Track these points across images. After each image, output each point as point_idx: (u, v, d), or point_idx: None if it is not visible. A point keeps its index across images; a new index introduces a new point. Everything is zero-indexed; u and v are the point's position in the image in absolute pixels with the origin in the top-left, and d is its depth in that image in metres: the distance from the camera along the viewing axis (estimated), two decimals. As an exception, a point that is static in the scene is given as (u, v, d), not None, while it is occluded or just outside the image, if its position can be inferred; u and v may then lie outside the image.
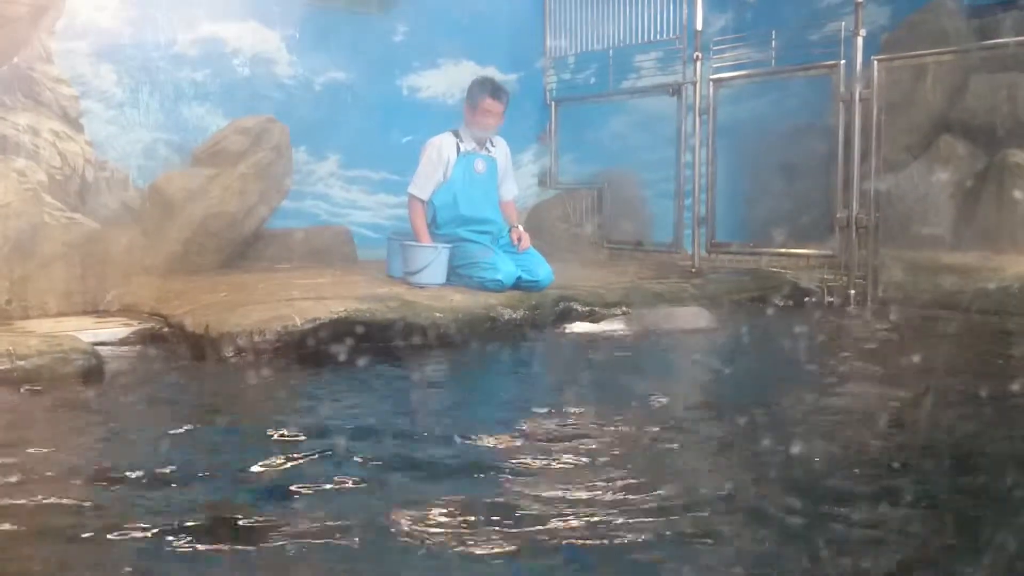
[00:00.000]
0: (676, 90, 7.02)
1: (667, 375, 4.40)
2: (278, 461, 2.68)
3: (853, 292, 5.95)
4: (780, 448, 2.85)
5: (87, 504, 2.37)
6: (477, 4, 7.60)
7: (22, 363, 3.76)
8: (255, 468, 2.63)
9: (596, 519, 2.23)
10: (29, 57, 5.55)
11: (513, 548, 2.07)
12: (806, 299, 6.05)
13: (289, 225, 6.79)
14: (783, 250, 6.46)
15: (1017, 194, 6.49)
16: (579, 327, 5.03)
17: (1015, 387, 3.60)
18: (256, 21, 6.77)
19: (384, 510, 2.31)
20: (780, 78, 6.70)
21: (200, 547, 2.07)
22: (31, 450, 2.85)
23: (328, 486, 2.47)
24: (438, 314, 4.85)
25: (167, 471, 2.61)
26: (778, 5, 7.87)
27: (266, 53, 6.85)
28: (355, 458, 2.70)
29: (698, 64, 6.81)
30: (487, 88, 5.79)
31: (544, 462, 2.71)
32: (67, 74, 5.84)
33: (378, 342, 4.53)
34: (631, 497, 2.40)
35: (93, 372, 3.89)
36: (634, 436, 3.01)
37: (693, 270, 6.73)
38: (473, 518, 2.24)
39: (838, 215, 6.03)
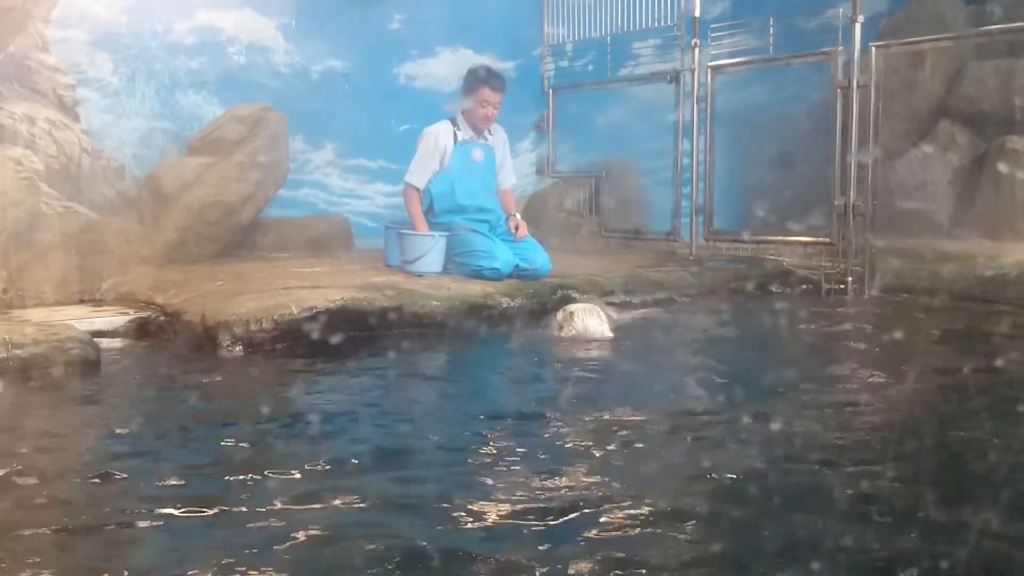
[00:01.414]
0: (674, 77, 6.99)
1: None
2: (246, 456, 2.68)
3: (850, 279, 5.94)
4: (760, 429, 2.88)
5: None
6: (474, -9, 7.58)
7: (18, 352, 3.77)
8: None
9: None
10: (25, 45, 5.53)
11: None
12: (803, 287, 6.05)
13: (286, 214, 6.78)
14: (780, 238, 6.45)
15: (1015, 181, 6.48)
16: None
17: (1002, 377, 3.60)
18: (252, 9, 6.73)
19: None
20: (778, 65, 6.68)
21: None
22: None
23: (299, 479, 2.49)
24: (435, 302, 4.86)
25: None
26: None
27: (262, 41, 6.82)
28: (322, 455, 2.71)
29: (696, 51, 6.79)
30: (485, 78, 5.77)
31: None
32: (63, 62, 5.82)
33: (375, 330, 4.53)
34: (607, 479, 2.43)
35: (89, 361, 3.89)
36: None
37: (691, 258, 6.73)
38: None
39: (836, 202, 6.02)
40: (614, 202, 7.77)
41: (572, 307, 4.85)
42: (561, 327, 4.71)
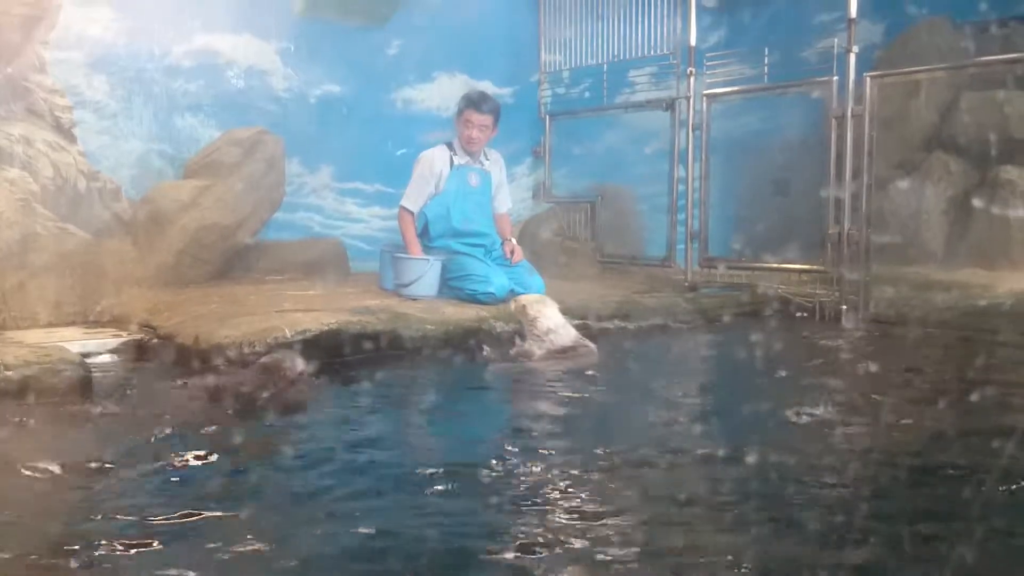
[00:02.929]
0: (670, 105, 7.03)
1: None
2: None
3: (845, 308, 5.94)
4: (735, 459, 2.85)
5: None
6: (472, 18, 7.61)
7: (10, 373, 3.75)
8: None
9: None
10: (22, 67, 5.55)
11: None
12: (797, 314, 6.05)
13: (282, 237, 6.79)
14: (775, 265, 6.47)
15: (1009, 211, 6.50)
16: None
17: (988, 404, 3.59)
18: (251, 33, 6.77)
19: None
20: (773, 94, 6.72)
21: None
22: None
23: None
24: (429, 327, 4.85)
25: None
26: (772, 21, 7.90)
27: (261, 65, 6.86)
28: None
29: (692, 79, 6.83)
30: (469, 100, 5.80)
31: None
32: (61, 84, 5.84)
33: (368, 354, 4.52)
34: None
35: (81, 383, 3.87)
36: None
37: (686, 284, 6.73)
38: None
39: (830, 231, 6.03)
40: (610, 228, 7.80)
41: (523, 299, 4.90)
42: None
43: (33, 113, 5.60)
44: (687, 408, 3.84)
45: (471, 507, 2.48)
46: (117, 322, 5.23)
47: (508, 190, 6.24)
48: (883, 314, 5.84)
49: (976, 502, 2.46)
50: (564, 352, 4.65)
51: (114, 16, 6.13)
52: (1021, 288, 5.81)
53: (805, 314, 6.04)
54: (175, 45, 6.45)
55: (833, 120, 6.01)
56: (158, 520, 2.33)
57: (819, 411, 3.53)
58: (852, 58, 5.87)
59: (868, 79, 5.89)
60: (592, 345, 4.76)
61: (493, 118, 5.82)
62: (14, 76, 5.48)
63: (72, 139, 5.82)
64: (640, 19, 7.31)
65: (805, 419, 3.42)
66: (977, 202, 6.79)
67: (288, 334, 4.38)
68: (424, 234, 5.81)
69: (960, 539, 2.19)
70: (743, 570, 2.07)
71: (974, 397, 3.69)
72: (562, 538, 2.22)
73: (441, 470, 2.75)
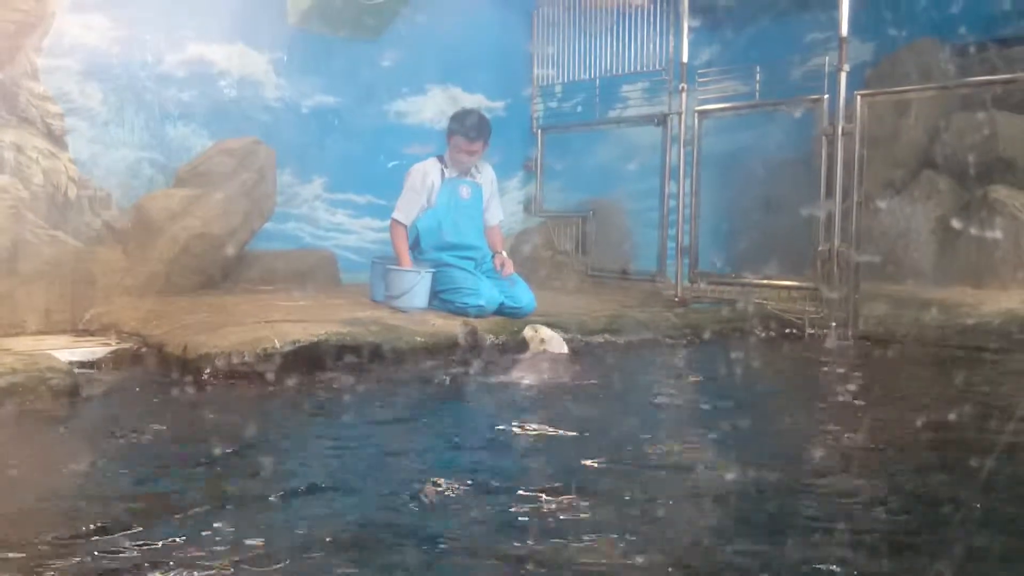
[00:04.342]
0: (661, 120, 7.06)
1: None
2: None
3: (834, 324, 5.96)
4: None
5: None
6: (466, 32, 7.64)
7: (-3, 381, 3.73)
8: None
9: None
10: (15, 74, 5.54)
11: None
12: (787, 331, 6.06)
13: (273, 247, 6.78)
14: (765, 281, 6.48)
15: (997, 230, 6.54)
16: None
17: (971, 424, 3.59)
18: (244, 43, 6.78)
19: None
20: (764, 111, 6.75)
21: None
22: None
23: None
24: (419, 339, 4.85)
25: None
26: (763, 39, 7.95)
27: (253, 75, 6.86)
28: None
29: (684, 95, 6.85)
30: (461, 128, 5.76)
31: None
32: (53, 91, 5.82)
33: (357, 366, 4.51)
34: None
35: (68, 392, 3.85)
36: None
37: (676, 299, 6.74)
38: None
39: (820, 247, 6.06)
40: (601, 242, 7.81)
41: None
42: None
43: (24, 120, 5.58)
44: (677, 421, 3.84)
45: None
46: (106, 330, 5.20)
47: (499, 203, 6.23)
48: (872, 331, 5.86)
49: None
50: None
51: (108, 24, 6.13)
52: (1009, 306, 5.85)
53: (794, 331, 6.06)
54: (168, 54, 6.45)
55: (823, 138, 6.04)
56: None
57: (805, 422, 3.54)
58: (843, 76, 5.91)
59: (859, 97, 5.93)
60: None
61: (483, 142, 5.81)
62: (6, 82, 5.47)
63: (63, 146, 5.80)
64: (632, 35, 7.35)
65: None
66: (965, 221, 6.83)
67: (277, 344, 4.37)
68: (415, 246, 5.81)
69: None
70: None
71: (953, 416, 3.69)
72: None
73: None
